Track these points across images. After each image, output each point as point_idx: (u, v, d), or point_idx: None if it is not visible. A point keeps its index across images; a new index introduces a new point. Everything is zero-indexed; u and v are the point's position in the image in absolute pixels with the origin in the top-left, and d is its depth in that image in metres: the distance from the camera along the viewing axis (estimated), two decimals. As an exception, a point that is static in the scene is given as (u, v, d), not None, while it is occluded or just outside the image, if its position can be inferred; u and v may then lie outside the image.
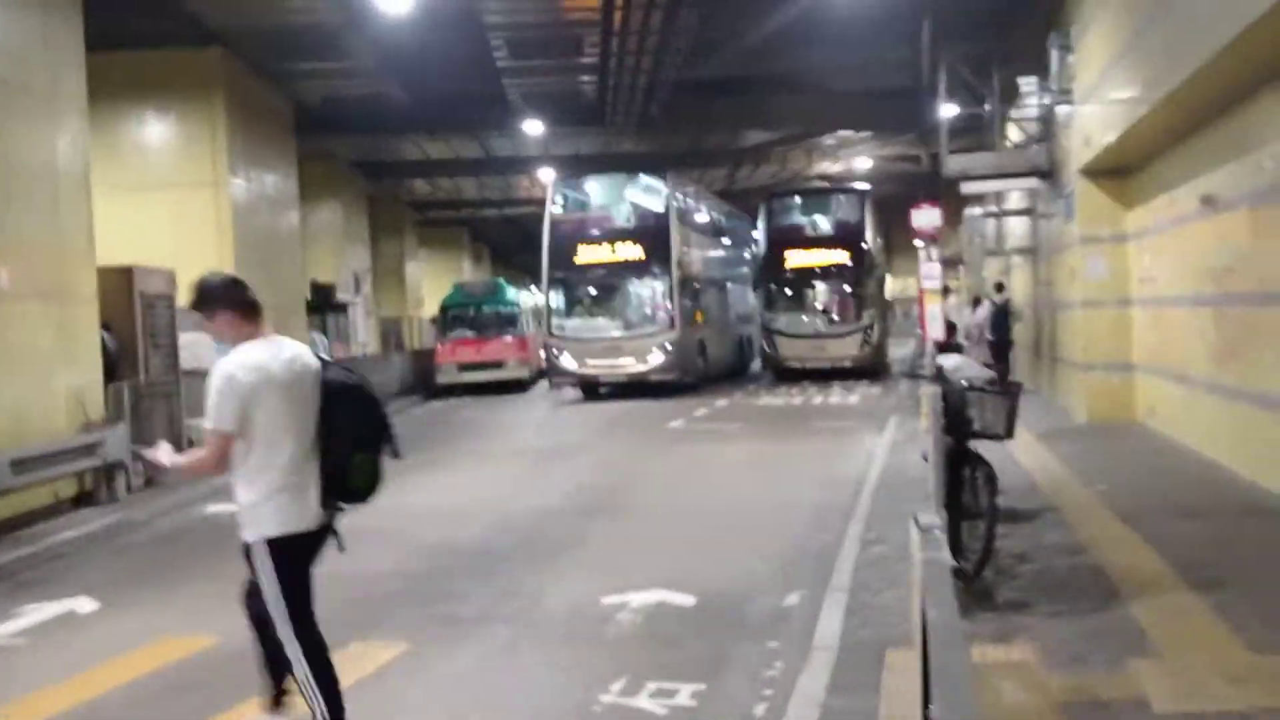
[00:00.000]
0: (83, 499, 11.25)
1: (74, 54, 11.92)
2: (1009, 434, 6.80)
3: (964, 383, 6.76)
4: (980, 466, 6.61)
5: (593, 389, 23.73)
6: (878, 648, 5.60)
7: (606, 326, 23.63)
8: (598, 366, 23.05)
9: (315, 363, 4.57)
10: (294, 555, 4.43)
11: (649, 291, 23.64)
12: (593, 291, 24.08)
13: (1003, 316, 19.54)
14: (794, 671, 5.49)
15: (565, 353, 23.06)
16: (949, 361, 7.60)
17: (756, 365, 29.53)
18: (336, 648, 6.22)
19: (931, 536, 2.67)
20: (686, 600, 7.01)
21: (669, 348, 22.78)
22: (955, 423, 6.64)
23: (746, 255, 31.22)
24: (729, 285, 29.09)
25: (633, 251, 23.39)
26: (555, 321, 23.49)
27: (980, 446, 6.93)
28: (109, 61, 13.98)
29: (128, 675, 6.02)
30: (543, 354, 24.73)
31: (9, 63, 10.66)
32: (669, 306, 23.07)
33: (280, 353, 4.49)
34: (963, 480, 6.59)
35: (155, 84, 16.66)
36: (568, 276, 23.70)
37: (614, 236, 23.64)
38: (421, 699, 5.57)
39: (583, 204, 25.17)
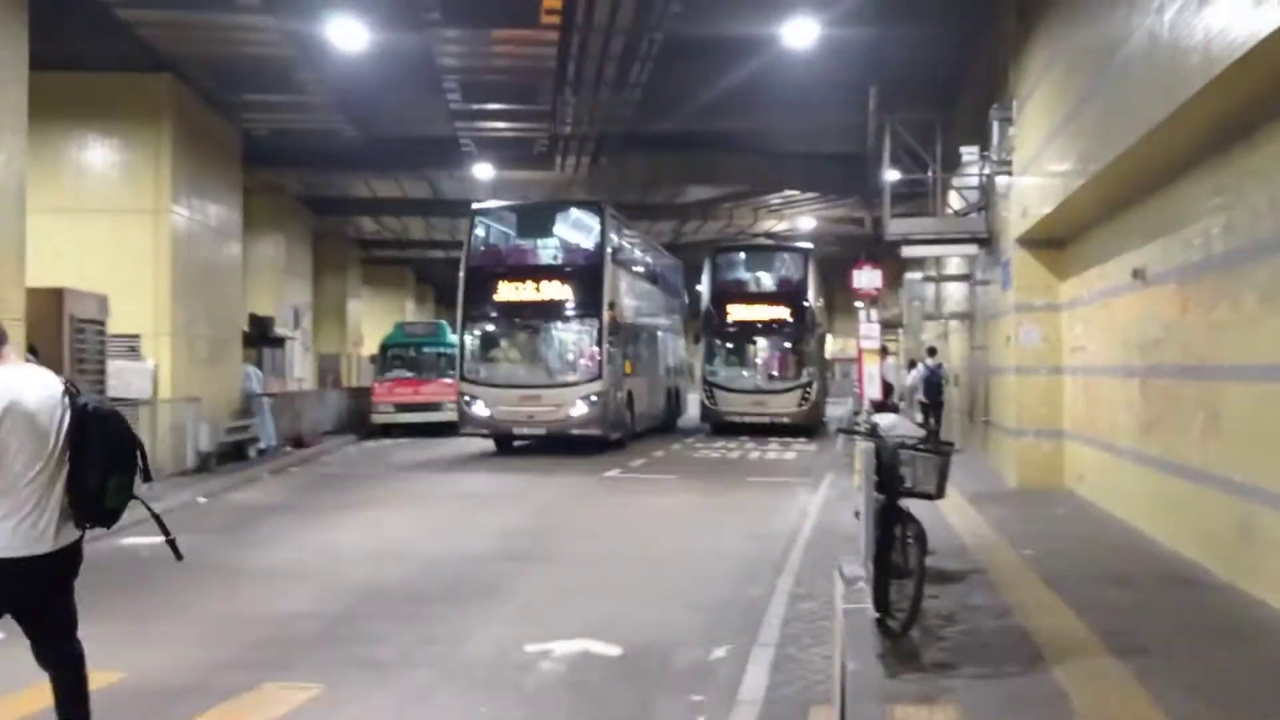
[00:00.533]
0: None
1: (16, 71, 11.71)
2: (939, 493, 6.85)
3: (896, 440, 6.81)
4: (910, 524, 6.64)
5: (507, 442, 21.77)
6: (801, 704, 5.56)
7: (525, 374, 21.21)
8: (513, 416, 20.71)
9: (60, 391, 4.61)
10: (11, 578, 4.50)
11: (574, 337, 21.42)
12: (512, 334, 21.73)
13: (935, 379, 20.74)
14: (716, 725, 5.42)
15: (478, 400, 20.82)
16: (884, 420, 7.65)
17: (686, 418, 29.58)
18: (249, 687, 6.07)
19: (855, 588, 2.66)
20: (612, 650, 6.92)
21: (594, 399, 20.56)
22: (887, 480, 6.68)
23: (677, 302, 31.05)
24: (659, 333, 27.34)
25: (559, 292, 21.23)
26: (468, 365, 21.13)
27: (911, 506, 6.97)
28: (54, 82, 13.75)
29: (30, 708, 5.77)
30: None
31: (-54, 76, 10.45)
32: (596, 354, 20.75)
33: (29, 380, 4.58)
34: (893, 538, 6.61)
35: (101, 107, 16.39)
36: (485, 315, 21.41)
37: (539, 274, 21.39)
38: (333, 744, 5.40)
39: (505, 235, 23.34)
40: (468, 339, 21.37)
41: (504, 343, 21.82)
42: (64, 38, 14.08)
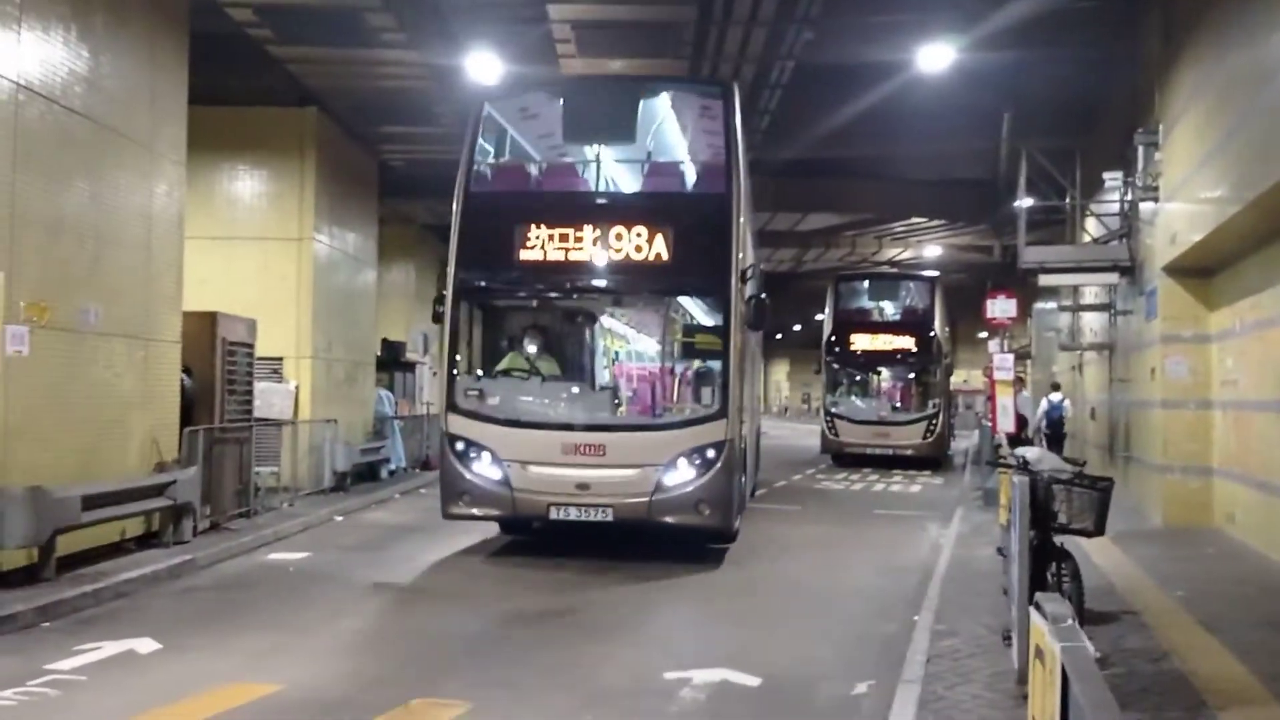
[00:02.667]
0: (148, 539, 11.35)
1: (177, 107, 12.34)
2: (1099, 530, 6.60)
3: (1050, 475, 6.60)
4: (1066, 562, 6.42)
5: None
6: (953, 744, 5.41)
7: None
8: None
9: None
10: None
11: None
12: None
13: (1056, 414, 21.09)
14: (866, 763, 5.31)
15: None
16: (1030, 453, 7.42)
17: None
18: (398, 702, 6.18)
19: (1064, 625, 2.56)
20: (750, 681, 6.84)
21: None
22: (1040, 516, 6.47)
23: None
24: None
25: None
26: None
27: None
28: (209, 116, 14.43)
29: (186, 719, 5.98)
30: None
31: (116, 112, 11.05)
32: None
33: None
34: (1046, 576, 6.39)
35: (251, 140, 17.12)
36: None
37: None
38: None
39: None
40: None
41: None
42: (217, 74, 14.79)
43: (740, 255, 11.35)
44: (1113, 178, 15.88)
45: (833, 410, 25.99)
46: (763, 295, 12.19)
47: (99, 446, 10.73)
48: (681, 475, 10.77)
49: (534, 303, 12.28)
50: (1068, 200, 17.62)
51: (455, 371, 11.41)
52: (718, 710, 6.31)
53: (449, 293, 11.42)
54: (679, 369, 12.40)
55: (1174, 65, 13.32)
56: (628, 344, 14.20)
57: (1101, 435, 19.70)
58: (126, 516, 10.84)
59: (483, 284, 11.67)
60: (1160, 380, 14.08)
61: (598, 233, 11.11)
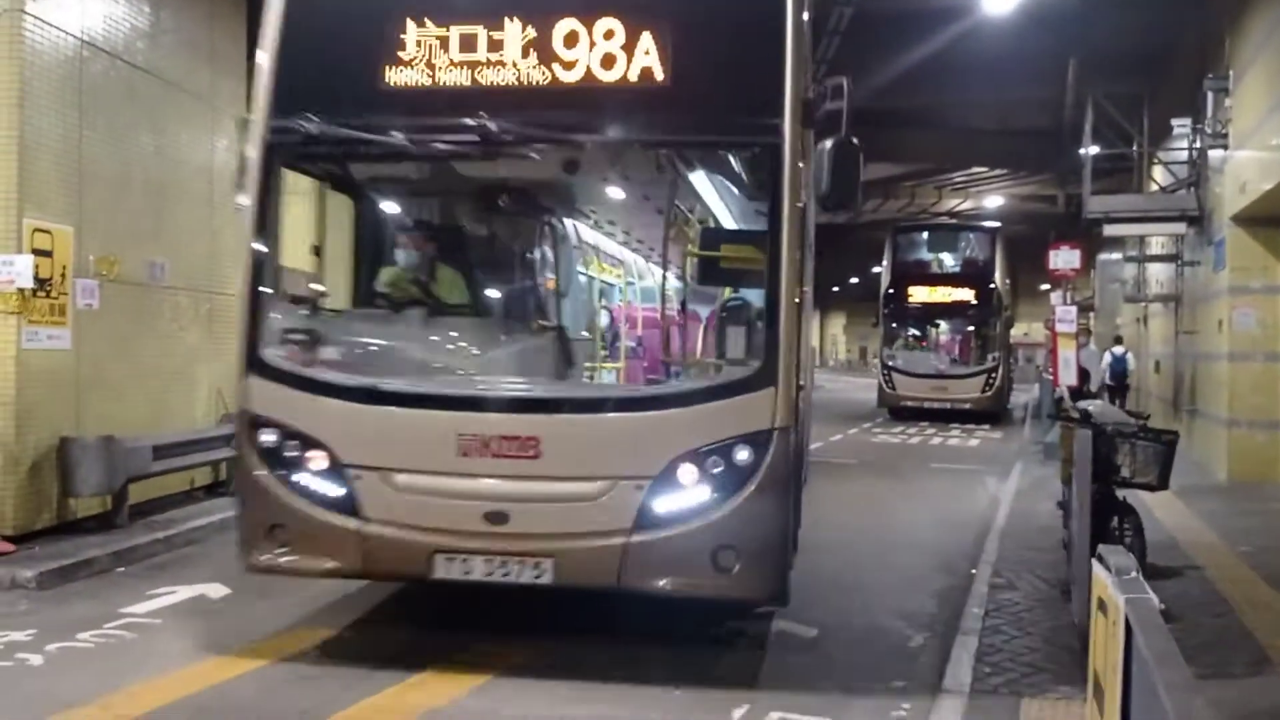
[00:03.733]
0: (216, 487, 11.63)
1: (236, 64, 12.43)
2: (1162, 484, 6.51)
3: (1114, 428, 6.51)
4: (1129, 516, 6.35)
5: None
6: (1011, 696, 5.41)
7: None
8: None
9: None
10: None
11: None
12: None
13: (1120, 367, 20.96)
14: (923, 713, 5.33)
15: None
16: (1093, 406, 7.32)
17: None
18: (456, 649, 6.27)
19: (1129, 577, 2.54)
20: (808, 632, 6.87)
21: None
22: (1102, 470, 6.38)
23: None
24: None
25: None
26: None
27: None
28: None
29: (257, 662, 6.15)
30: None
31: (177, 66, 11.17)
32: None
33: None
34: (1109, 530, 6.33)
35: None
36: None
37: None
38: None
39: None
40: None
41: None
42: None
43: (800, 77, 5.96)
44: (1181, 125, 15.47)
45: (890, 363, 25.79)
46: (850, 139, 6.07)
47: (167, 398, 10.99)
48: (687, 497, 5.66)
49: (414, 170, 6.91)
50: (1134, 148, 17.19)
51: (260, 299, 6.09)
52: (775, 660, 6.36)
53: (254, 152, 6.12)
54: (684, 299, 7.64)
55: (1246, 9, 12.90)
56: (589, 252, 8.89)
57: (1166, 389, 19.36)
58: (195, 466, 11.12)
59: (318, 132, 5.93)
60: (1227, 332, 13.77)
61: (531, 31, 5.82)
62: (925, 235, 28.65)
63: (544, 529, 5.66)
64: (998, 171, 28.48)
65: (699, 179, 7.21)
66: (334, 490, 5.81)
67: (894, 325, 26.35)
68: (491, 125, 5.75)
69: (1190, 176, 15.85)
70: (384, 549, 5.75)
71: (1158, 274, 20.02)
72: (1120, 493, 6.50)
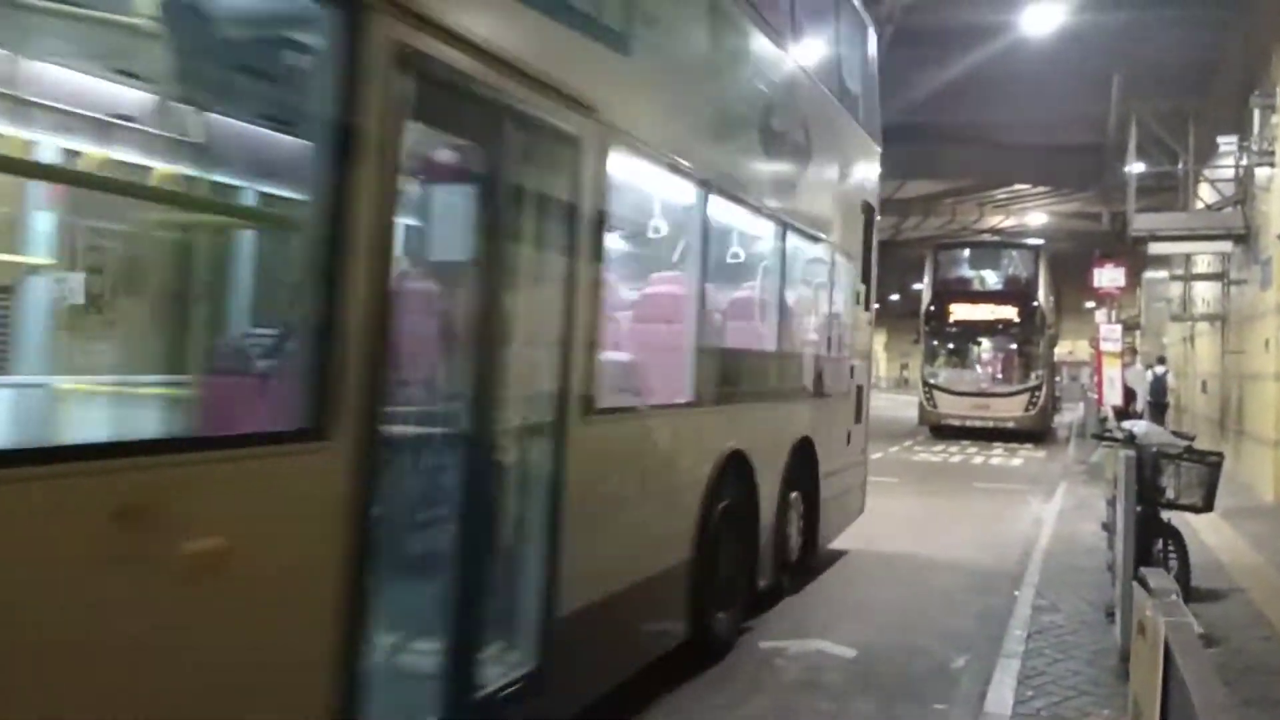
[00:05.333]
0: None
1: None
2: (1207, 506, 6.44)
3: (1157, 449, 6.45)
4: (1173, 538, 6.29)
5: None
6: (1054, 719, 5.36)
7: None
8: None
9: None
10: None
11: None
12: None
13: (1160, 385, 20.93)
14: (964, 736, 5.30)
15: None
16: (1138, 427, 7.25)
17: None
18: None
19: (1169, 600, 2.54)
20: (847, 652, 6.86)
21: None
22: (1146, 491, 6.33)
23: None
24: None
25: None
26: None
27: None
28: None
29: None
30: None
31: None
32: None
33: None
34: (1152, 552, 6.27)
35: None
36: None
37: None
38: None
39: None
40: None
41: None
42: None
43: None
44: (1227, 142, 15.31)
45: (931, 381, 25.65)
46: None
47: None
48: None
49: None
50: (1180, 165, 17.02)
51: None
52: (813, 680, 6.35)
53: None
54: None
55: (1296, 23, 12.76)
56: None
57: (1212, 409, 19.10)
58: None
59: None
60: (1275, 352, 13.57)
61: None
62: (967, 253, 28.47)
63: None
64: (1041, 188, 28.29)
65: None
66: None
67: (935, 342, 26.24)
68: None
69: (1237, 194, 15.68)
70: None
71: (1204, 293, 19.78)
72: (1165, 515, 6.43)
